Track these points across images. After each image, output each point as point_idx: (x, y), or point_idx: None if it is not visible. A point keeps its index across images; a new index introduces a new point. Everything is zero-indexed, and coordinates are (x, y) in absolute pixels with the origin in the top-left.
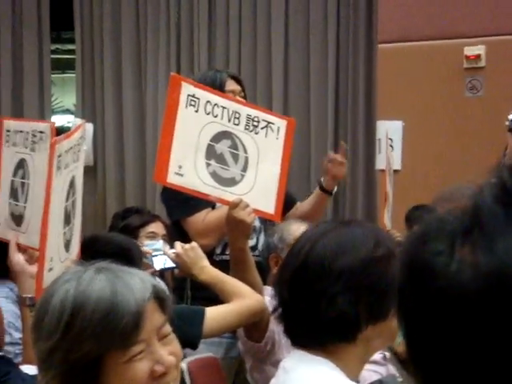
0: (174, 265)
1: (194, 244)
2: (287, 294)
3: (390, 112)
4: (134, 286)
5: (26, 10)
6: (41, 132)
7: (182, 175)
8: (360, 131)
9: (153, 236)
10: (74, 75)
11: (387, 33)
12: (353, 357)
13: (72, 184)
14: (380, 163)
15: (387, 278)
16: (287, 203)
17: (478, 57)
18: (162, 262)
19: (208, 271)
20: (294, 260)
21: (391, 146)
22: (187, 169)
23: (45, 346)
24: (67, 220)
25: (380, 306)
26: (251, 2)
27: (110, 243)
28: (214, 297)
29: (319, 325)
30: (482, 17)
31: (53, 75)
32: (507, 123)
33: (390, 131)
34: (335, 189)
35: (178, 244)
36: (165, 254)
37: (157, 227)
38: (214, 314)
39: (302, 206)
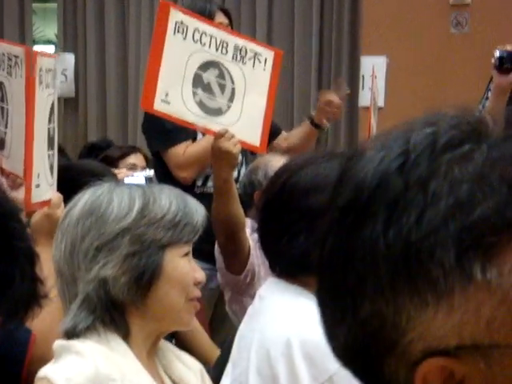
0: None
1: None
2: (259, 222)
3: (375, 48)
4: None
5: None
6: (16, 56)
7: (168, 103)
8: (344, 67)
9: (133, 168)
10: (55, 5)
11: None
12: None
13: (52, 109)
14: (363, 100)
15: None
16: (272, 132)
17: None
18: None
19: None
20: (270, 190)
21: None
22: (174, 97)
23: (112, 228)
24: (51, 143)
25: None
26: None
27: (83, 172)
28: None
29: (285, 258)
30: None
31: (34, 4)
32: (493, 60)
33: (374, 67)
34: (328, 125)
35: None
36: None
37: (137, 159)
38: None
39: (290, 138)
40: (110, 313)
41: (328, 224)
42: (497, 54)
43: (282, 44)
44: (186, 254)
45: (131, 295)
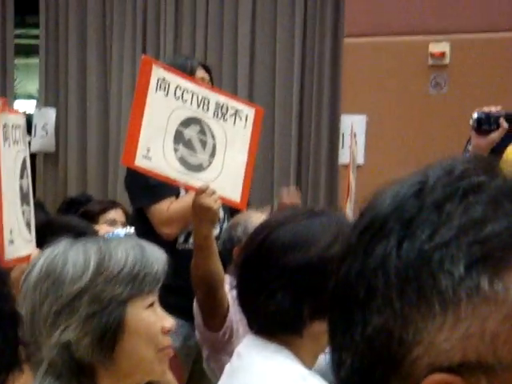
0: None
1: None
2: (238, 279)
3: (355, 106)
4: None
5: None
6: None
7: (149, 159)
8: (324, 124)
9: (113, 223)
10: (37, 60)
11: (353, 26)
12: (302, 349)
13: (24, 165)
14: (343, 158)
15: None
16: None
17: (442, 54)
18: None
19: None
20: (249, 246)
21: (355, 140)
22: (155, 153)
23: (69, 290)
24: (25, 199)
25: (325, 305)
26: None
27: (64, 227)
28: (176, 283)
29: (263, 315)
30: (447, 14)
31: (16, 60)
32: (471, 122)
33: (353, 125)
34: None
35: None
36: None
37: (116, 214)
38: None
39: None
40: (78, 377)
41: (344, 251)
42: (475, 115)
43: (262, 101)
44: (151, 305)
45: (97, 356)
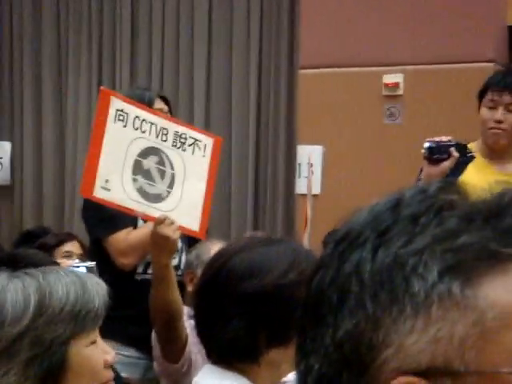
0: None
1: None
2: (195, 307)
3: (311, 137)
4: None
5: None
6: None
7: (108, 190)
8: (280, 155)
9: (68, 255)
10: None
11: (308, 58)
12: (260, 377)
13: None
14: (300, 187)
15: (291, 304)
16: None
17: (396, 85)
18: None
19: None
20: (207, 273)
21: (312, 170)
22: (114, 184)
23: (9, 333)
24: None
25: (280, 332)
26: (174, 21)
27: (27, 262)
28: (135, 314)
29: (219, 343)
30: (401, 46)
31: None
32: (423, 151)
33: (310, 156)
34: None
35: None
36: None
37: (73, 246)
38: None
39: None
40: None
41: (318, 262)
42: (426, 145)
43: (219, 132)
44: (93, 342)
45: None
